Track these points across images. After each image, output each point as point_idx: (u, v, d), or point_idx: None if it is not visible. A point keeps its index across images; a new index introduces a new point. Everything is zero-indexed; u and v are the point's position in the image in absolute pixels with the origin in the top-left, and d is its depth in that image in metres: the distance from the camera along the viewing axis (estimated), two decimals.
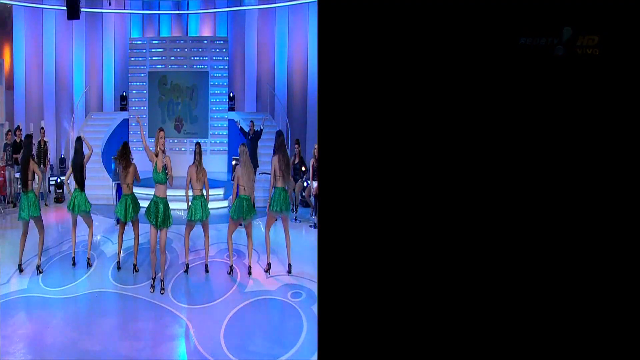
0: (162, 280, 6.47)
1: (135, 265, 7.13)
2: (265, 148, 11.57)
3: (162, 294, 6.30)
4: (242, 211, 6.84)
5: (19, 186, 9.49)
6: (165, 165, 6.43)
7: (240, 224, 7.26)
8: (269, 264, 7.15)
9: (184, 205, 7.31)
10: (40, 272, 6.84)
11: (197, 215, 6.86)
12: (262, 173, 10.61)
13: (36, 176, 7.07)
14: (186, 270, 7.06)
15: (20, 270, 6.87)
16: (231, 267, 7.06)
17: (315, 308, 5.87)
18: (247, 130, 11.16)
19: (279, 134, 7.18)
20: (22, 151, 7.13)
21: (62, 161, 13.93)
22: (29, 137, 7.25)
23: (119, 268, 7.11)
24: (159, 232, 6.48)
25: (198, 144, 7.15)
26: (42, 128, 11.97)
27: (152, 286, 6.43)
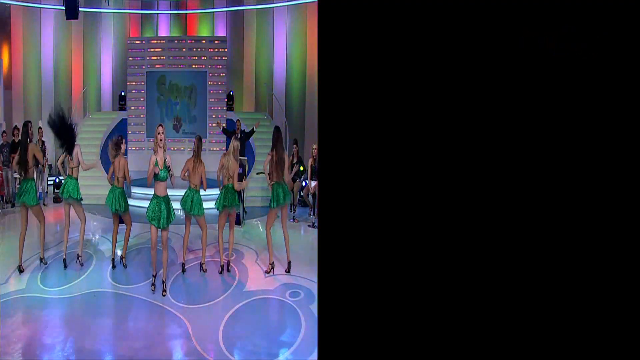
0: (163, 282, 6.34)
1: (122, 258, 7.12)
2: (264, 148, 11.56)
3: (164, 295, 6.21)
4: (222, 200, 6.93)
5: (17, 185, 9.47)
6: (166, 161, 6.34)
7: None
8: (272, 264, 7.07)
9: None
10: (44, 264, 6.83)
11: (186, 206, 6.83)
12: (259, 173, 10.60)
13: (39, 170, 6.97)
14: (183, 270, 7.06)
15: (20, 270, 6.83)
16: (222, 267, 7.07)
17: (313, 307, 5.87)
18: (231, 130, 11.27)
19: (277, 130, 7.17)
20: (19, 138, 7.06)
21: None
22: (26, 124, 7.12)
23: (113, 267, 7.09)
24: (159, 231, 6.42)
25: (198, 137, 7.13)
26: (40, 127, 11.94)
27: (153, 284, 6.33)
